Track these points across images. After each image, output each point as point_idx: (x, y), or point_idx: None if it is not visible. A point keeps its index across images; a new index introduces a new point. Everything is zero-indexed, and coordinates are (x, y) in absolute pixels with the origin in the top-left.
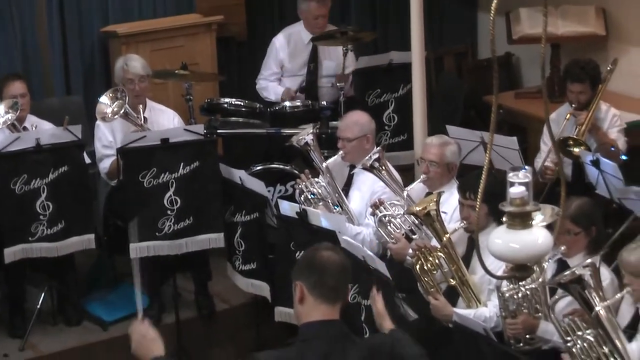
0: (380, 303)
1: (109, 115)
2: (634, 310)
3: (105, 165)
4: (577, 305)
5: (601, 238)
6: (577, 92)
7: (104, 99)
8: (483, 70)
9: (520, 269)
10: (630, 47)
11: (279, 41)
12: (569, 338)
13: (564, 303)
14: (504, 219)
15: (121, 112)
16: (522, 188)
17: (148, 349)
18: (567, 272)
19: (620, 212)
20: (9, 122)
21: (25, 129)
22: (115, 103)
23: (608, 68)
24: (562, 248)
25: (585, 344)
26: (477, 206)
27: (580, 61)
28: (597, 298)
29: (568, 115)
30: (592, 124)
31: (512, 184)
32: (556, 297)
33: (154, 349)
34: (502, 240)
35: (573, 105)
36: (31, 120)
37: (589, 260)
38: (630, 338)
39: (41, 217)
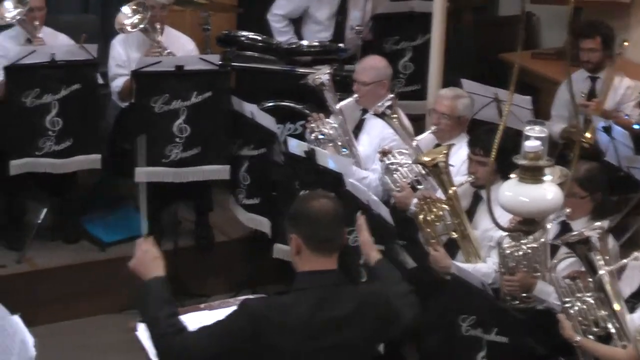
0: (366, 232)
1: (128, 28)
2: None
3: (117, 84)
4: (576, 268)
5: (605, 205)
6: (587, 50)
7: (126, 9)
8: (500, 27)
9: (527, 223)
10: None
11: None
12: (567, 299)
13: (564, 265)
14: (516, 172)
15: (140, 26)
16: (538, 142)
17: (149, 267)
18: (576, 232)
19: (626, 181)
20: (18, 18)
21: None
22: (136, 16)
23: (617, 52)
24: (567, 210)
25: (584, 306)
26: (491, 160)
27: (592, 20)
28: (602, 262)
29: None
30: (603, 111)
31: (528, 138)
32: (558, 257)
33: (154, 268)
34: (512, 192)
35: (584, 61)
36: (46, 31)
37: (598, 223)
38: (633, 307)
39: (50, 132)
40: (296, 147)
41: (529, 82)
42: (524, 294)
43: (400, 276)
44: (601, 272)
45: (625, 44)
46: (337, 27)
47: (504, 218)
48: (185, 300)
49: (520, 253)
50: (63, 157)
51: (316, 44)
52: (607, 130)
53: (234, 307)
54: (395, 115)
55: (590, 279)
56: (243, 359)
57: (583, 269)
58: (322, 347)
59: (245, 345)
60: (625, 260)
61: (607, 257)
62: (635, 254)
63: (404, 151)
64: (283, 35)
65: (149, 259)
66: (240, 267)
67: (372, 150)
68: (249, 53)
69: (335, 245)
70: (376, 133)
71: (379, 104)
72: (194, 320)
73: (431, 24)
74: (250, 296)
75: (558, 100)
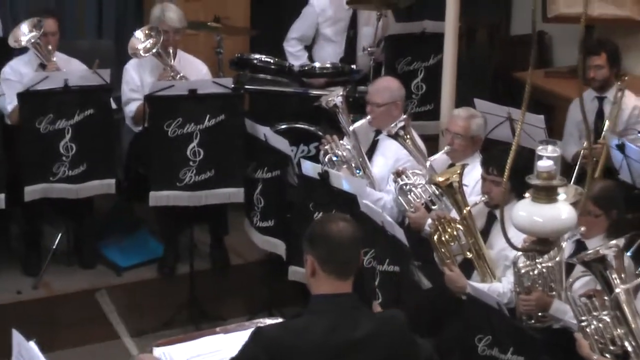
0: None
1: (140, 52)
2: None
3: (131, 108)
4: (592, 287)
5: (621, 223)
6: (594, 67)
7: (139, 34)
8: (514, 46)
9: (541, 243)
10: None
11: (319, 4)
12: (583, 318)
13: (580, 284)
14: (529, 192)
15: (153, 50)
16: (550, 162)
17: None
18: (591, 251)
19: None
20: (32, 41)
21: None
22: (149, 40)
23: (619, 89)
24: (582, 229)
25: (600, 324)
26: (505, 180)
27: (598, 37)
28: (618, 280)
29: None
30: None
31: (541, 157)
32: (573, 276)
33: None
34: (526, 212)
35: (591, 78)
36: (59, 56)
37: (614, 242)
38: None
39: (64, 158)
40: (310, 169)
41: (544, 101)
42: (540, 313)
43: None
44: (617, 290)
45: (625, 78)
46: (348, 43)
47: (519, 237)
48: (202, 323)
49: (536, 272)
50: (77, 182)
51: (328, 65)
52: (621, 148)
53: (248, 336)
54: (408, 136)
55: (607, 298)
56: None
57: (599, 287)
58: None
59: None
60: None
61: (624, 275)
62: None
63: (417, 172)
64: (297, 60)
65: None
66: (257, 290)
67: (387, 172)
68: (262, 75)
69: (351, 268)
70: (391, 154)
71: (392, 125)
72: (210, 344)
73: (443, 44)
74: (265, 320)
75: (569, 120)
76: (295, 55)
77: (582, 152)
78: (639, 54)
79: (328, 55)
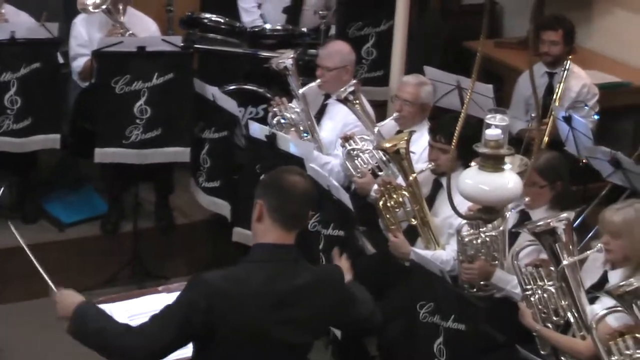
0: (344, 260)
1: (90, 8)
2: (602, 273)
3: (78, 63)
4: (535, 257)
5: (565, 194)
6: (549, 42)
7: None
8: (466, 15)
9: (486, 212)
10: (615, 7)
11: None
12: (528, 287)
13: (523, 253)
14: (476, 160)
15: (103, 7)
16: (499, 131)
17: (69, 303)
18: (542, 222)
19: (585, 171)
20: None
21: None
22: None
23: (563, 69)
24: (526, 199)
25: (545, 295)
26: (452, 148)
27: (556, 13)
28: (565, 253)
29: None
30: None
31: (489, 126)
32: (519, 246)
33: (74, 299)
34: (472, 180)
35: (544, 52)
36: (7, 8)
37: (564, 214)
38: (593, 298)
39: (8, 111)
40: (258, 131)
41: (493, 71)
42: (483, 282)
43: (369, 296)
44: (565, 262)
45: (570, 57)
46: None
47: (463, 206)
48: (144, 282)
49: (479, 241)
50: (22, 136)
51: (279, 27)
52: (568, 120)
53: (187, 282)
54: (357, 102)
55: (553, 268)
56: (198, 337)
57: (543, 256)
58: (276, 321)
59: (199, 319)
60: (588, 252)
61: (572, 248)
62: (598, 245)
63: (365, 137)
64: (249, 16)
65: (66, 297)
66: (200, 250)
67: (335, 136)
68: (212, 35)
69: (299, 222)
70: (339, 118)
71: (342, 89)
72: (152, 302)
73: (395, 10)
74: None
75: (516, 93)
76: (248, 11)
77: (527, 133)
78: (589, 28)
79: (274, 4)
